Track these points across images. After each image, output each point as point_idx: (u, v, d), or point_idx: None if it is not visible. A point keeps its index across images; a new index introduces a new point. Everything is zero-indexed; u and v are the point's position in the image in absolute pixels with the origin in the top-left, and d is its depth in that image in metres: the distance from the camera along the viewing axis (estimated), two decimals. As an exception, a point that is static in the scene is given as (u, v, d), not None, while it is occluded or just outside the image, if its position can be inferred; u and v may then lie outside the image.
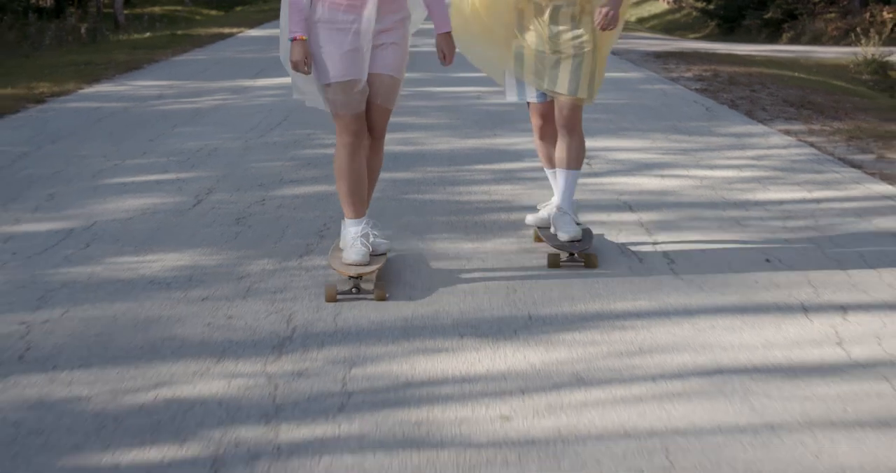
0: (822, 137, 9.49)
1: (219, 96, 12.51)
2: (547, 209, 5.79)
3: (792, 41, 30.91)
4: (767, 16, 33.50)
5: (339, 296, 4.80)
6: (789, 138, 9.43)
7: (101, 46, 21.56)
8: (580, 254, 5.36)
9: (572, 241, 5.41)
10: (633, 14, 48.02)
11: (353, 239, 5.04)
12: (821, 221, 6.33)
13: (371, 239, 5.11)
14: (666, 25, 42.44)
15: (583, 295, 4.94)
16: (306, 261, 5.43)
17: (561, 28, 5.47)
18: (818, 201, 6.89)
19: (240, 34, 25.41)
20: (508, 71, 5.66)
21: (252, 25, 28.76)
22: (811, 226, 6.20)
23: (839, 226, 6.22)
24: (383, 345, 4.27)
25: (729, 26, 35.82)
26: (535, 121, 5.72)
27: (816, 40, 29.63)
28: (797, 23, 32.34)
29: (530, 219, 5.90)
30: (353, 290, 4.85)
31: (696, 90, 13.14)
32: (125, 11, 33.34)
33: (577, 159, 5.58)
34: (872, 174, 7.77)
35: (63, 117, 10.88)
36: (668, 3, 47.44)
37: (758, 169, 8.00)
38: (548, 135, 5.70)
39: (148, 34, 25.03)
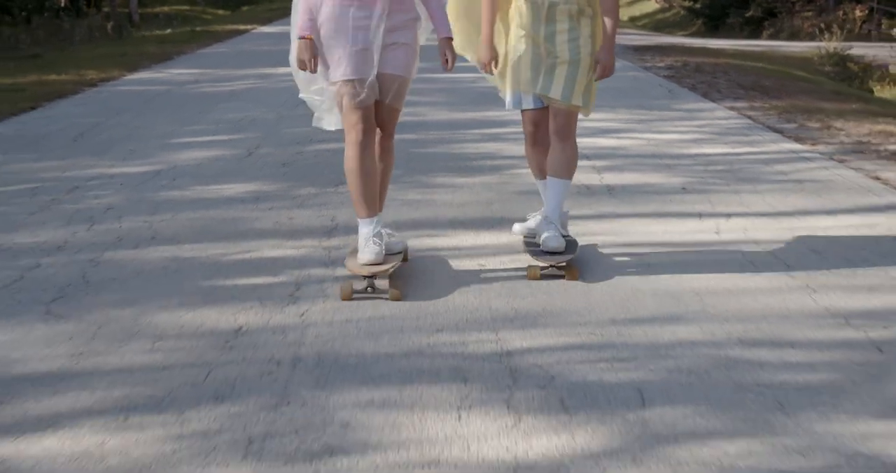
0: (760, 112, 11.37)
1: (247, 81, 14.39)
2: (535, 219, 5.81)
3: (772, 37, 32.74)
4: (749, 14, 35.37)
5: (354, 295, 4.93)
6: (732, 112, 11.31)
7: (128, 42, 23.45)
8: (560, 266, 5.32)
9: (555, 253, 5.35)
10: (625, 13, 49.85)
11: (367, 238, 5.08)
12: (734, 167, 8.19)
13: (385, 239, 5.18)
14: (656, 24, 44.25)
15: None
16: (341, 189, 7.27)
17: (558, 28, 5.36)
18: (737, 154, 8.77)
19: (253, 30, 27.31)
20: (504, 79, 5.58)
21: (264, 23, 30.68)
22: (725, 170, 8.07)
23: (747, 169, 8.09)
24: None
25: (714, 24, 37.60)
26: (528, 128, 5.62)
27: (794, 36, 31.44)
28: (776, 20, 34.20)
29: (517, 227, 5.92)
30: (369, 289, 4.97)
31: (664, 76, 15.03)
32: (138, 11, 35.18)
33: (568, 168, 5.50)
34: (789, 137, 9.64)
35: (118, 97, 12.78)
36: (658, 2, 49.27)
37: (698, 133, 9.88)
38: (539, 143, 5.60)
39: (168, 31, 26.95)
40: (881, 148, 9.05)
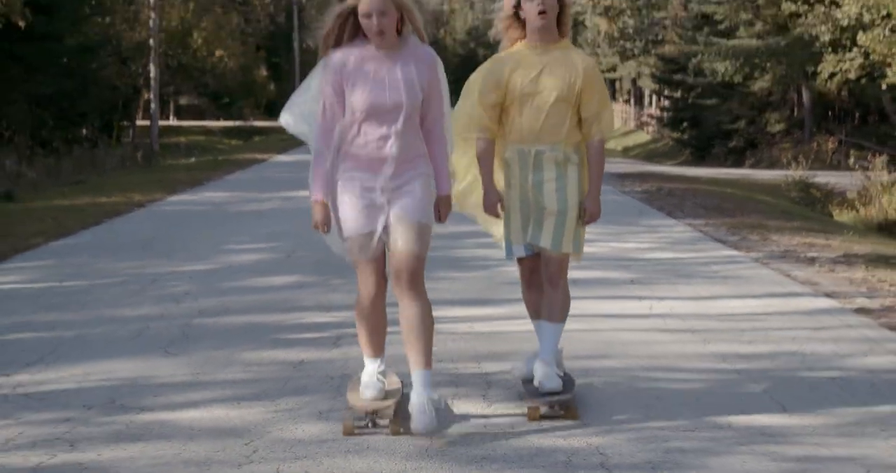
0: (712, 227, 13.49)
1: (273, 202, 16.58)
2: (530, 360, 5.84)
3: (753, 166, 35.18)
4: (732, 145, 37.96)
5: (356, 431, 5.13)
6: (688, 228, 13.44)
7: (157, 169, 25.84)
8: (560, 406, 5.42)
9: (552, 393, 5.44)
10: (619, 143, 52.55)
11: (371, 375, 5.30)
12: (676, 267, 10.25)
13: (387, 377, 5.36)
14: (648, 153, 46.80)
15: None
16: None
17: (545, 176, 5.56)
18: (682, 258, 10.85)
19: (271, 159, 29.77)
20: (496, 228, 5.84)
21: (280, 151, 33.21)
22: (669, 269, 10.11)
23: (687, 269, 10.14)
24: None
25: (700, 154, 40.09)
26: (523, 274, 5.83)
27: (773, 165, 33.81)
28: (757, 151, 36.73)
29: (516, 371, 5.97)
30: (369, 425, 5.18)
31: (639, 199, 17.24)
32: (158, 141, 37.76)
33: (560, 313, 5.66)
34: (729, 246, 11.73)
35: (166, 214, 14.96)
36: (649, 133, 52.00)
37: (655, 243, 11.97)
38: (535, 287, 5.77)
39: (193, 159, 29.38)
40: (801, 254, 11.11)
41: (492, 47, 74.93)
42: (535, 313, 5.83)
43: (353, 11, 5.15)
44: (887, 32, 23.22)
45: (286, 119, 5.43)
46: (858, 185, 23.26)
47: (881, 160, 23.58)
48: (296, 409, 5.49)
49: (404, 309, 5.17)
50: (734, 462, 4.71)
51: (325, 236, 5.33)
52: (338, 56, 5.20)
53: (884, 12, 23.10)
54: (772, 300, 8.51)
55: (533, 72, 5.58)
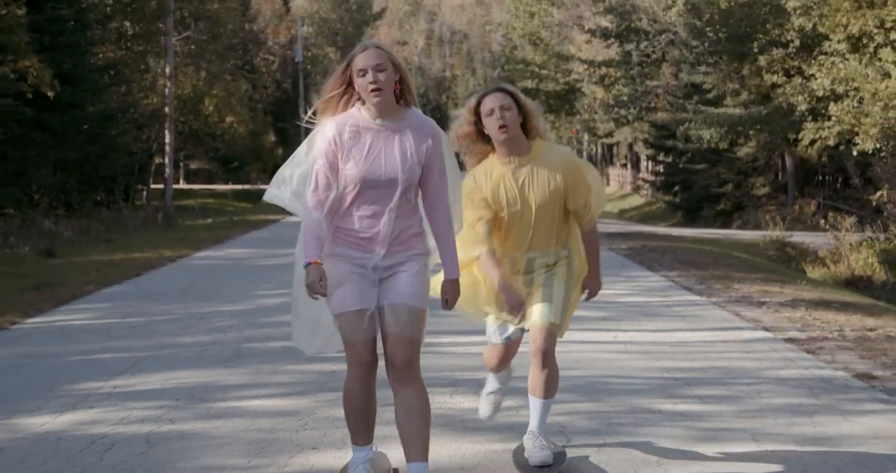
0: (683, 278, 15.24)
1: (291, 257, 18.20)
2: (491, 382, 6.07)
3: (740, 227, 37.02)
4: (720, 207, 39.84)
5: None
6: (662, 278, 15.20)
7: (178, 229, 27.68)
8: None
9: (543, 466, 5.48)
10: (615, 206, 54.45)
11: (358, 465, 5.11)
12: (644, 308, 11.99)
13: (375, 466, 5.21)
14: (642, 216, 48.66)
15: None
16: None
17: (536, 274, 5.63)
18: (650, 301, 12.59)
19: (283, 220, 31.62)
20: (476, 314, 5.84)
21: (290, 213, 34.92)
22: (637, 310, 11.84)
23: (653, 310, 11.88)
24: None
25: (691, 216, 41.97)
26: (491, 362, 5.89)
27: (759, 227, 35.58)
28: (744, 213, 38.58)
29: (482, 412, 6.15)
30: None
31: (623, 255, 19.02)
32: (172, 203, 39.63)
33: (551, 388, 5.60)
34: (694, 292, 13.47)
35: (197, 268, 16.76)
36: (643, 196, 53.95)
37: (630, 291, 13.72)
38: (507, 362, 5.91)
39: (210, 220, 31.27)
40: (756, 299, 12.85)
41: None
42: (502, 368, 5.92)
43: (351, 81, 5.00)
44: (856, 103, 25.03)
45: (273, 193, 5.15)
46: (831, 245, 25.05)
47: (850, 221, 25.38)
48: (333, 400, 7.20)
49: (399, 399, 4.94)
50: (658, 432, 6.43)
51: (294, 324, 5.28)
52: (333, 124, 4.99)
53: (853, 85, 24.96)
54: (719, 332, 10.25)
55: (513, 189, 5.55)
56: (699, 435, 6.37)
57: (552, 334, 5.53)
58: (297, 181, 5.05)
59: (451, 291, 5.12)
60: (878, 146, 24.45)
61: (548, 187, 5.53)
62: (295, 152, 5.14)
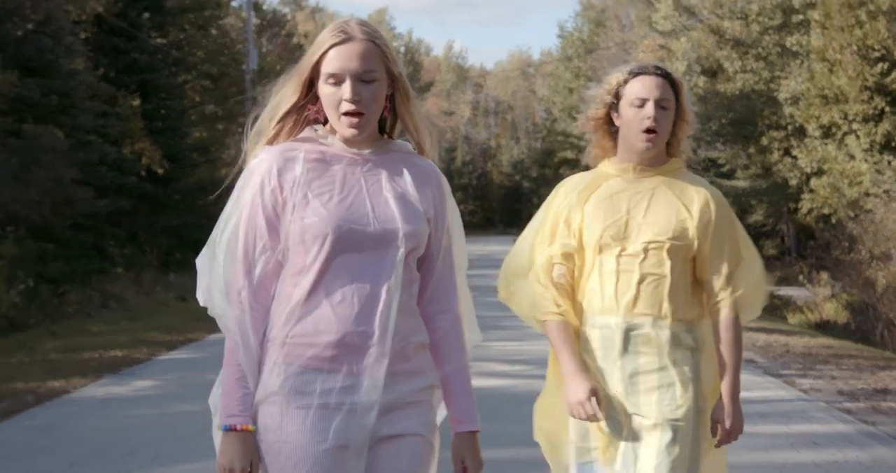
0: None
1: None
2: None
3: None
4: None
5: None
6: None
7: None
8: None
9: None
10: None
11: None
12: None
13: None
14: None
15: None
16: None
17: (641, 367, 3.68)
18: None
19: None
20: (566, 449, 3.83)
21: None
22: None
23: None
24: None
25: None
26: None
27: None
28: (750, 275, 43.36)
29: None
30: None
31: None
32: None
33: None
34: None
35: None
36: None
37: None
38: None
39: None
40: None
41: (535, 180, 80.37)
42: None
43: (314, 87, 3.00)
44: (831, 179, 30.20)
45: (203, 296, 3.18)
46: (810, 297, 30.04)
47: (824, 276, 30.34)
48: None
49: None
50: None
51: None
52: (273, 153, 2.98)
53: (826, 165, 30.17)
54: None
55: (621, 209, 3.78)
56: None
57: None
58: (226, 267, 3.03)
59: (469, 450, 3.12)
60: (850, 215, 29.51)
61: (669, 222, 3.77)
62: (221, 217, 3.11)
